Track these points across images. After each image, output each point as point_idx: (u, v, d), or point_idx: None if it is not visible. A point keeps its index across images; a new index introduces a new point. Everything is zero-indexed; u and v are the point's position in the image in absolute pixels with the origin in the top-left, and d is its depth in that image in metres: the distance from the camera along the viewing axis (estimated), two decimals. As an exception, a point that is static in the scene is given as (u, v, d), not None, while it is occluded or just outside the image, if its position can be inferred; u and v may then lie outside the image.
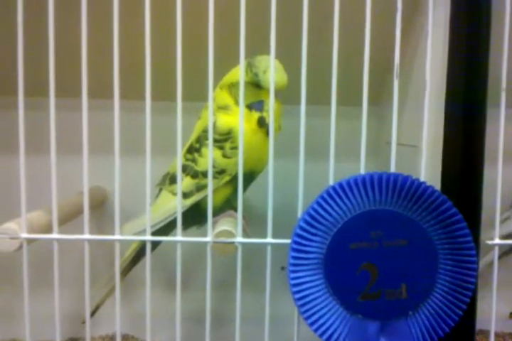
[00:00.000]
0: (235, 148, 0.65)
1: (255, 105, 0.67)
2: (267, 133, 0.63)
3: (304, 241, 0.53)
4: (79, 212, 0.72)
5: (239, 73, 0.57)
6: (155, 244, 0.66)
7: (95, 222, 0.87)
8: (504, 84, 0.58)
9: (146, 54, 0.55)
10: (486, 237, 0.60)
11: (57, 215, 0.58)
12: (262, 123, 0.67)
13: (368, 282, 0.53)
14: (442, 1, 0.59)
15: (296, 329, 0.58)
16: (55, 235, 0.58)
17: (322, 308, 0.54)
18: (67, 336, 0.88)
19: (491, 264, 0.62)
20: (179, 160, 0.59)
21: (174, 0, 0.54)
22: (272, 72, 0.56)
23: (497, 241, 0.60)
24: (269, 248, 0.58)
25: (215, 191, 0.61)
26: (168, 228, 0.68)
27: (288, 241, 0.55)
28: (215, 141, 0.63)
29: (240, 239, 0.58)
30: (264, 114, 0.66)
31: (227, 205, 0.69)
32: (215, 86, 0.59)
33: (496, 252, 0.60)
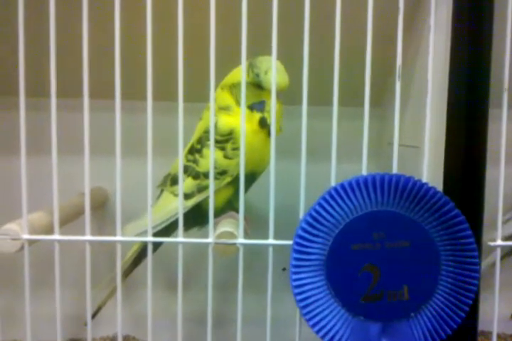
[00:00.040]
0: (236, 148, 0.65)
1: (256, 106, 0.67)
2: (268, 134, 0.63)
3: (305, 243, 0.53)
4: (80, 212, 0.72)
5: (240, 74, 0.57)
6: (156, 245, 0.65)
7: (96, 222, 0.87)
8: (506, 85, 0.58)
9: (147, 54, 0.55)
10: (488, 238, 0.60)
11: (58, 216, 0.58)
12: (263, 123, 0.66)
13: (370, 283, 0.53)
14: (444, 1, 0.59)
15: (297, 331, 0.58)
16: (56, 236, 0.58)
17: (324, 310, 0.53)
18: (68, 337, 0.88)
19: (492, 265, 0.61)
20: (181, 161, 0.58)
21: (176, 0, 0.54)
22: (274, 73, 0.56)
23: (499, 242, 0.60)
24: (270, 249, 0.58)
25: (216, 192, 0.61)
26: (169, 229, 0.67)
27: (290, 242, 0.55)
28: (217, 141, 0.63)
29: (241, 240, 0.58)
30: (266, 115, 0.66)
31: (228, 206, 0.69)
32: (216, 86, 0.58)
33: (498, 253, 0.60)
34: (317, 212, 0.53)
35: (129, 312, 0.88)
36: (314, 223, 0.53)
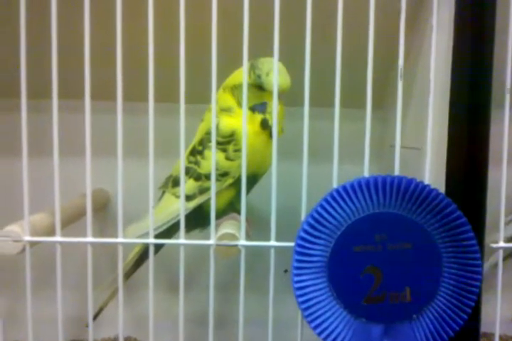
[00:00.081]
0: (238, 150, 0.65)
1: (258, 107, 0.67)
2: (270, 136, 0.63)
3: (307, 244, 0.53)
4: (81, 214, 0.72)
5: (242, 75, 0.57)
6: (158, 247, 0.66)
7: (98, 224, 0.87)
8: (509, 85, 0.58)
9: (149, 56, 0.55)
10: (490, 240, 0.60)
11: (60, 218, 0.58)
12: (265, 125, 0.66)
13: (372, 285, 0.53)
14: (446, 2, 0.59)
15: (299, 333, 0.58)
16: (57, 238, 0.58)
17: (326, 312, 0.53)
18: (69, 338, 0.88)
19: (494, 266, 0.61)
20: (182, 163, 0.58)
21: (177, 2, 0.54)
22: (276, 74, 0.56)
23: (501, 244, 0.60)
24: (272, 251, 0.58)
25: (218, 194, 0.61)
26: (171, 231, 0.67)
27: (291, 244, 0.55)
28: (218, 143, 0.63)
29: (243, 241, 0.58)
30: (267, 116, 0.66)
31: (230, 208, 0.69)
32: (218, 88, 0.58)
33: (501, 255, 0.60)
34: (319, 213, 0.53)
35: (131, 313, 0.88)
36: (316, 225, 0.53)
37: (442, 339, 0.54)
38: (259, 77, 0.65)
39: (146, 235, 0.61)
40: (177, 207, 0.66)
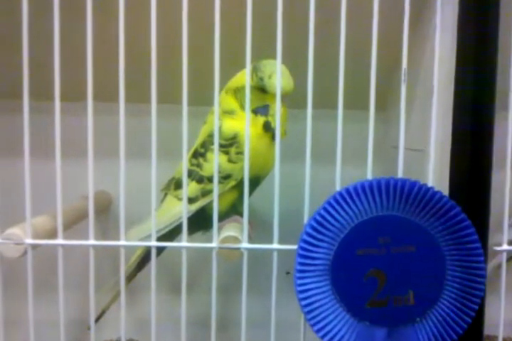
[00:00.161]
0: (240, 153, 0.65)
1: (261, 110, 0.67)
2: (272, 138, 0.63)
3: (310, 248, 0.53)
4: (83, 216, 0.72)
5: (244, 77, 0.57)
6: (160, 250, 0.65)
7: (100, 226, 0.87)
8: (513, 86, 0.57)
9: (151, 57, 0.55)
10: (494, 243, 0.60)
11: (61, 220, 0.58)
12: (267, 127, 0.66)
13: (376, 288, 0.53)
14: (450, 3, 0.58)
15: (302, 336, 0.58)
16: (59, 241, 0.58)
17: (329, 315, 0.53)
18: (71, 341, 0.88)
19: (497, 268, 0.61)
20: (185, 165, 0.58)
21: (180, 4, 0.54)
22: (279, 76, 0.56)
23: (505, 247, 0.59)
24: (275, 254, 0.57)
25: (220, 196, 0.61)
26: (173, 233, 0.67)
27: (294, 247, 0.55)
28: (221, 145, 0.63)
29: (245, 244, 0.58)
30: (270, 119, 0.66)
31: (232, 210, 0.69)
32: (220, 90, 0.58)
33: (504, 258, 0.60)
34: (322, 216, 0.53)
35: (133, 316, 0.87)
36: (319, 228, 0.53)
37: (446, 342, 0.54)
38: (261, 79, 0.64)
39: (148, 238, 0.61)
40: (179, 209, 0.65)
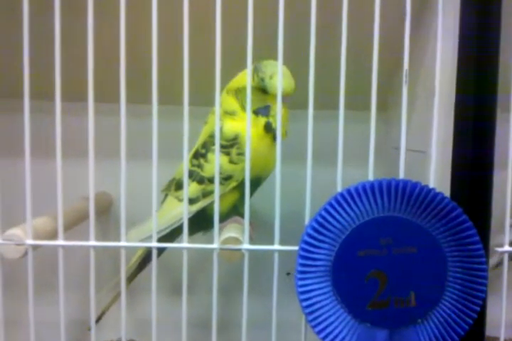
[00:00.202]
0: (241, 153, 0.65)
1: (261, 110, 0.67)
2: (273, 139, 0.63)
3: (311, 249, 0.53)
4: (84, 217, 0.72)
5: (245, 78, 0.57)
6: (161, 250, 0.65)
7: (100, 227, 0.87)
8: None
9: (152, 58, 0.55)
10: (495, 244, 0.60)
11: (62, 221, 0.58)
12: (268, 128, 0.66)
13: (377, 290, 0.53)
14: (451, 4, 0.58)
15: (303, 337, 0.58)
16: (60, 241, 0.58)
17: (330, 316, 0.53)
18: (71, 341, 0.88)
19: (494, 268, 0.61)
20: (185, 166, 0.58)
21: (181, 5, 0.54)
22: (280, 77, 0.56)
23: (507, 248, 0.59)
24: (276, 255, 0.57)
25: (221, 197, 0.60)
26: (174, 234, 0.67)
27: (295, 248, 0.54)
28: (222, 146, 0.63)
29: (246, 245, 0.57)
30: (271, 119, 0.66)
31: (233, 211, 0.69)
32: (221, 90, 0.58)
33: (506, 259, 0.60)
34: (323, 217, 0.52)
35: (133, 316, 0.88)
36: (320, 229, 0.52)
37: (447, 344, 0.54)
38: (262, 80, 0.64)
39: (148, 239, 0.61)
40: (180, 210, 0.65)
